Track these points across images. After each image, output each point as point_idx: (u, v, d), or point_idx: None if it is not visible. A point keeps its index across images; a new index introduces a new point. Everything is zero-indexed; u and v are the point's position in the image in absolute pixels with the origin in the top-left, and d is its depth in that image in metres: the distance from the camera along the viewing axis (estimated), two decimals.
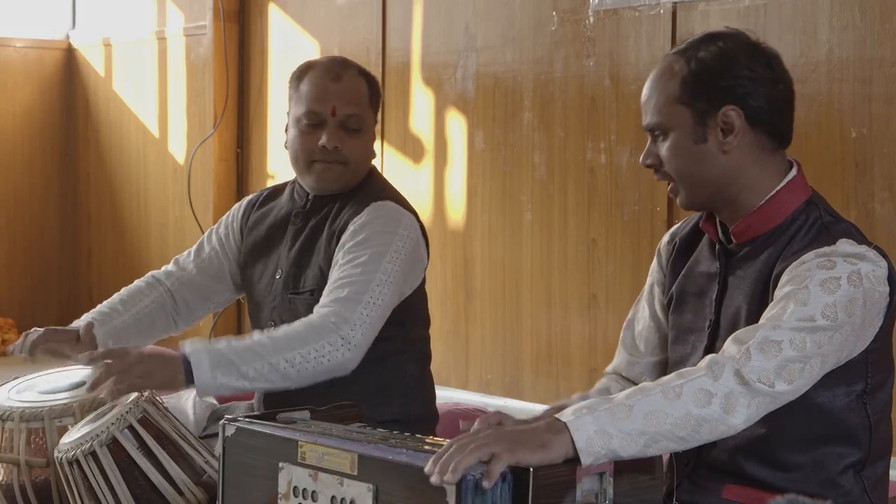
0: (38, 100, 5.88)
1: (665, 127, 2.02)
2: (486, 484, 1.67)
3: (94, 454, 2.22)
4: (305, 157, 2.61)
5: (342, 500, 1.83)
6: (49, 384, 2.53)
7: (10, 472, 2.40)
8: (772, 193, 2.01)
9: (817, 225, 1.99)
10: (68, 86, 5.94)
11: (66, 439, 2.28)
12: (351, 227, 2.55)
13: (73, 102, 5.94)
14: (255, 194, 2.87)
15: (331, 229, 2.61)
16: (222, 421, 2.07)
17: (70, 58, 5.95)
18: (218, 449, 2.09)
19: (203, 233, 5.16)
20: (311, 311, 2.54)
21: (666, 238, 2.24)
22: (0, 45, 5.75)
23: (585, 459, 1.74)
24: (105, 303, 2.77)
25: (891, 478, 2.18)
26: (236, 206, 2.87)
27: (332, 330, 2.40)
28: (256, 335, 2.42)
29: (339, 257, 2.53)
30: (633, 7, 3.76)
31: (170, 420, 2.34)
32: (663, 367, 2.23)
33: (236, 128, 5.21)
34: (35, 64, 5.85)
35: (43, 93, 5.89)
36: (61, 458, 2.24)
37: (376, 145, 4.57)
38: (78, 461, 2.22)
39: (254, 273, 2.76)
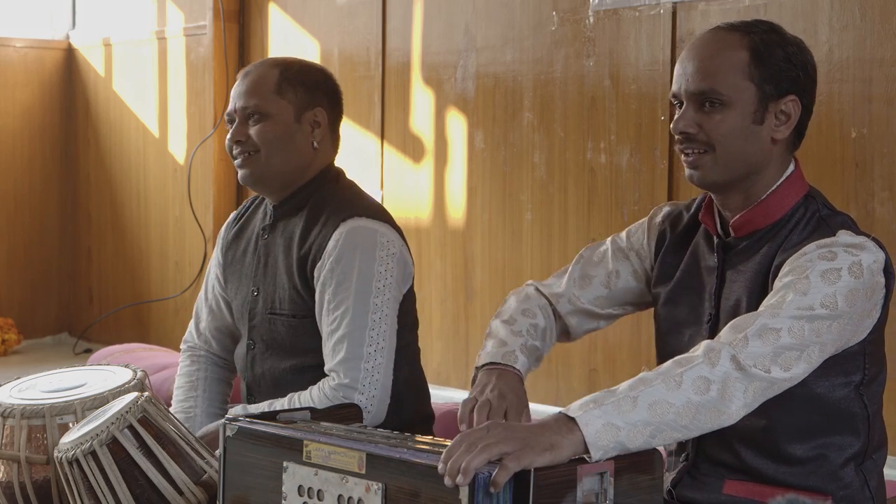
0: (38, 100, 5.88)
1: (726, 99, 1.98)
2: (492, 489, 1.67)
3: (93, 454, 2.22)
4: (229, 154, 2.67)
5: (349, 499, 1.83)
6: (51, 384, 2.53)
7: (11, 470, 2.41)
8: (773, 188, 2.03)
9: (815, 218, 2.00)
10: (68, 86, 5.94)
11: (66, 439, 2.28)
12: (328, 263, 2.51)
13: (73, 102, 5.94)
14: (240, 207, 2.86)
15: (301, 252, 2.58)
16: (223, 421, 2.07)
17: (70, 58, 5.95)
18: (218, 449, 2.09)
19: (203, 232, 5.19)
20: (293, 334, 2.58)
21: (659, 217, 2.22)
22: (0, 45, 5.75)
23: (595, 454, 1.74)
24: (177, 403, 2.81)
25: (889, 477, 2.18)
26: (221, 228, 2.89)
27: (341, 399, 2.45)
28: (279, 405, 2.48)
29: (324, 300, 2.52)
30: (633, 7, 3.76)
31: (170, 420, 2.34)
32: (590, 318, 2.27)
33: None
34: (35, 64, 5.85)
35: (43, 93, 5.89)
36: (61, 458, 2.24)
37: (375, 145, 4.56)
38: (78, 461, 2.22)
39: (231, 288, 2.75)
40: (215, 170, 5.18)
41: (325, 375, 2.53)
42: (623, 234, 2.27)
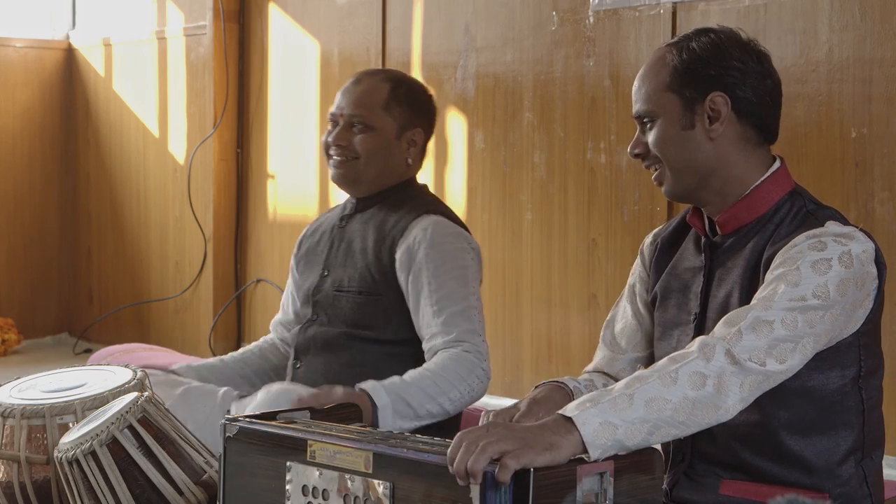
0: (38, 100, 5.88)
1: (653, 114, 2.07)
2: (502, 479, 1.69)
3: (93, 454, 2.22)
4: (325, 151, 2.85)
5: (355, 498, 1.83)
6: (51, 384, 2.53)
7: (11, 470, 2.41)
8: (756, 184, 2.05)
9: (802, 212, 2.02)
10: (68, 86, 5.94)
11: (66, 439, 2.28)
12: (420, 251, 2.68)
13: (73, 102, 5.94)
14: (321, 214, 3.08)
15: (380, 233, 2.75)
16: (222, 421, 2.07)
17: (70, 58, 5.95)
18: (218, 449, 2.10)
19: (203, 232, 5.19)
20: (357, 310, 2.74)
21: (648, 238, 2.27)
22: (0, 45, 5.75)
23: (593, 453, 1.75)
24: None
25: (889, 477, 2.18)
26: None
27: (476, 364, 2.61)
28: (418, 373, 2.60)
29: (422, 282, 2.67)
30: (633, 7, 3.76)
31: (170, 420, 2.34)
32: (640, 364, 2.25)
33: (236, 128, 5.22)
34: (35, 64, 5.85)
35: (43, 93, 5.89)
36: (61, 458, 2.24)
37: None
38: (77, 461, 2.22)
39: (303, 278, 2.92)
40: (215, 170, 5.18)
41: (377, 347, 2.70)
42: (629, 278, 2.31)
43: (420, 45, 4.45)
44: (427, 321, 2.67)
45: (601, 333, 2.32)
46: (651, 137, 2.07)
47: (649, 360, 2.25)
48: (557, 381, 2.17)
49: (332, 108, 2.83)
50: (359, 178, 2.80)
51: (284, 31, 5.02)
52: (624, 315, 2.29)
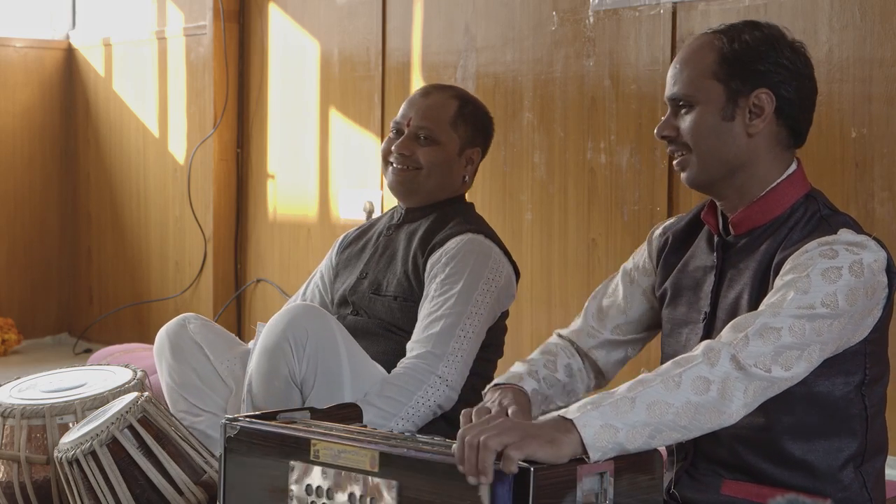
0: (38, 100, 5.87)
1: (693, 100, 2.03)
2: (513, 469, 1.70)
3: (93, 454, 2.22)
4: (384, 157, 2.92)
5: (361, 497, 1.83)
6: (51, 384, 2.54)
7: (11, 470, 2.41)
8: (773, 185, 2.03)
9: (816, 217, 2.01)
10: (68, 86, 5.94)
11: (66, 439, 2.28)
12: (443, 259, 2.74)
13: (73, 102, 5.94)
14: (366, 222, 3.12)
15: (422, 242, 2.81)
16: (223, 421, 2.07)
17: (70, 58, 5.95)
18: (219, 448, 2.10)
19: (203, 232, 5.20)
20: (390, 314, 2.79)
21: (658, 230, 2.26)
22: (0, 45, 5.75)
23: (594, 455, 1.75)
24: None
25: (889, 477, 2.18)
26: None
27: (428, 371, 2.62)
28: (377, 391, 2.61)
29: (430, 289, 2.73)
30: (633, 7, 3.76)
31: (170, 420, 2.34)
32: (615, 348, 2.26)
33: (236, 128, 5.21)
34: (35, 64, 5.85)
35: (43, 93, 5.88)
36: (61, 458, 2.24)
37: (375, 145, 4.55)
38: (78, 461, 2.22)
39: (339, 281, 2.96)
40: (215, 170, 5.18)
41: (400, 338, 2.73)
42: (629, 260, 2.29)
43: (420, 45, 4.45)
44: (419, 323, 2.72)
45: (586, 303, 2.31)
46: (686, 123, 2.04)
47: (626, 347, 2.26)
48: (508, 384, 2.16)
49: (397, 117, 2.90)
50: (417, 189, 2.87)
51: (284, 31, 5.02)
52: (614, 294, 2.28)
